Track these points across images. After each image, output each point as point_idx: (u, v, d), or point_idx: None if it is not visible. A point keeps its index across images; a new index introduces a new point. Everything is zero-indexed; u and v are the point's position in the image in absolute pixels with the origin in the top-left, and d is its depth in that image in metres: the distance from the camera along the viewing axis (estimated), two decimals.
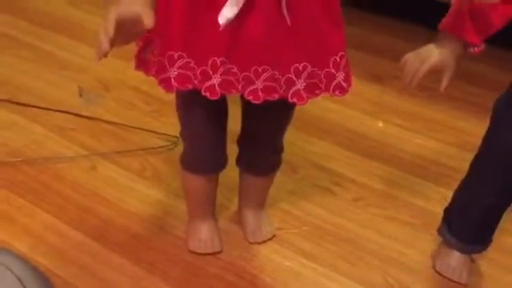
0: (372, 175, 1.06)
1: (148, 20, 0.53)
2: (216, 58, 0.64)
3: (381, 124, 1.20)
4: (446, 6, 0.68)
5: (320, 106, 1.17)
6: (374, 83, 1.32)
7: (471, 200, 0.80)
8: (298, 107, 0.73)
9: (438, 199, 0.99)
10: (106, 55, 0.53)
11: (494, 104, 0.76)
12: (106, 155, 1.06)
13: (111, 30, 0.52)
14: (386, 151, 1.12)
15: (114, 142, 1.10)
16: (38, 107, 1.17)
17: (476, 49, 0.67)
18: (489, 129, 0.77)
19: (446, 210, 0.86)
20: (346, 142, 1.14)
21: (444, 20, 0.68)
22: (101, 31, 0.53)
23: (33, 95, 1.21)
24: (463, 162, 0.84)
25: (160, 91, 0.68)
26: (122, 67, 1.18)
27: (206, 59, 0.64)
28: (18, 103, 1.18)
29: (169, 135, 1.09)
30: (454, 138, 1.16)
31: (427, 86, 0.75)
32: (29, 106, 1.17)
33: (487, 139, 0.77)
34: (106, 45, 0.52)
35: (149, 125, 1.14)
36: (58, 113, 1.16)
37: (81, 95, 1.21)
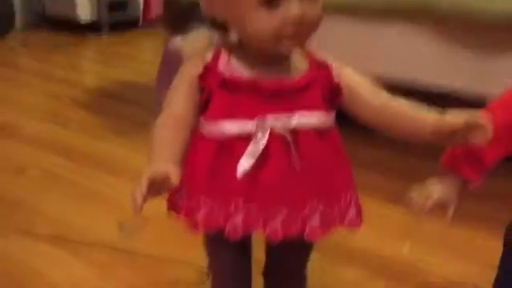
0: None
1: (175, 178, 0.62)
2: (237, 201, 0.71)
3: (407, 248, 1.23)
4: None
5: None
6: (397, 204, 1.36)
7: None
8: None
9: None
10: (140, 210, 0.62)
11: (506, 230, 0.79)
12: None
13: (144, 189, 0.62)
14: (416, 276, 1.14)
15: (150, 274, 1.16)
16: (81, 243, 1.26)
17: (475, 184, 0.72)
18: (503, 256, 0.79)
19: None
20: (375, 268, 1.16)
21: (443, 157, 0.74)
22: (136, 189, 0.62)
23: (77, 231, 1.31)
24: None
25: None
26: (160, 202, 1.27)
27: (229, 201, 0.71)
28: (63, 239, 1.28)
29: (202, 267, 1.14)
30: (486, 258, 1.17)
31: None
32: (72, 241, 1.27)
33: (503, 267, 0.79)
34: (140, 202, 0.61)
35: (185, 256, 1.20)
36: (98, 247, 1.24)
37: (121, 230, 1.30)
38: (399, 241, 1.24)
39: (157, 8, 1.78)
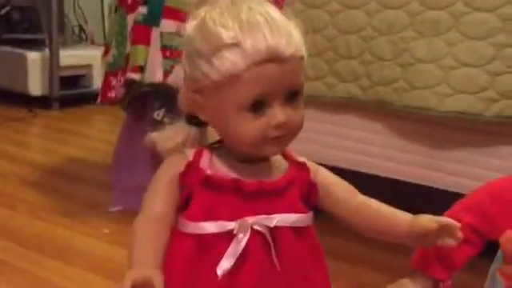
0: None
1: (158, 284, 0.61)
2: None
3: None
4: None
5: None
6: None
7: None
8: None
9: None
10: None
11: None
12: None
13: None
14: None
15: None
16: None
17: (445, 284, 0.75)
18: None
19: None
20: None
21: (413, 257, 0.77)
22: None
23: None
24: None
25: None
26: None
27: None
28: None
29: None
30: None
31: None
32: None
33: None
34: None
35: None
36: None
37: None
38: None
39: (117, 88, 1.78)
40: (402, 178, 1.48)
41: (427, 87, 1.36)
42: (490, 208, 0.74)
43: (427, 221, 0.70)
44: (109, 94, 1.82)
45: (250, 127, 0.67)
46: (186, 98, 0.73)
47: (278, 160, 0.74)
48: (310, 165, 0.76)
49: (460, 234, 0.70)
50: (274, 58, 0.65)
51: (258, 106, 0.66)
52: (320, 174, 0.76)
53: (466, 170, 1.38)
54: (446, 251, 0.73)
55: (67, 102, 3.26)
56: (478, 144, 1.38)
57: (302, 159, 0.75)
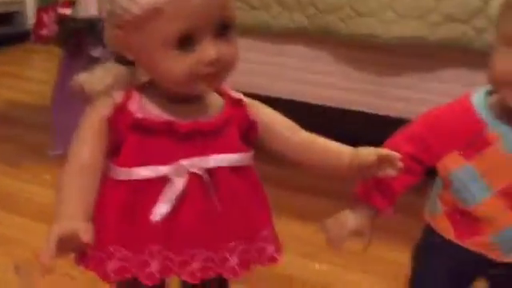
0: None
1: (86, 236, 0.58)
2: (153, 247, 0.68)
3: (317, 266, 1.25)
4: None
5: None
6: (308, 223, 1.39)
7: None
8: None
9: None
10: (49, 271, 0.57)
11: (413, 250, 0.84)
12: None
13: (52, 251, 0.56)
14: None
15: None
16: None
17: (386, 213, 0.75)
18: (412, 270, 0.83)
19: None
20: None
21: (355, 189, 0.77)
22: (45, 250, 0.57)
23: None
24: None
25: None
26: None
27: (143, 249, 0.68)
28: None
29: None
30: (391, 271, 1.22)
31: None
32: None
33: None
34: (48, 262, 0.56)
35: None
36: None
37: (17, 273, 1.20)
38: (309, 260, 1.26)
39: (50, 25, 1.67)
40: (347, 107, 1.48)
41: (373, 14, 1.33)
42: (427, 136, 0.74)
43: (367, 153, 0.69)
44: (42, 32, 1.72)
45: (178, 65, 0.62)
46: (110, 36, 0.67)
47: (213, 98, 0.70)
48: (248, 101, 0.72)
49: (399, 164, 0.69)
50: None
51: (185, 42, 0.62)
52: (259, 110, 0.73)
53: (411, 96, 1.38)
54: (386, 181, 0.73)
55: (1, 42, 3.06)
56: (422, 69, 1.38)
57: (238, 96, 0.72)
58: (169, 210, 0.66)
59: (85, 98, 0.71)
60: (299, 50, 1.49)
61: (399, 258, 1.23)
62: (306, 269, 1.24)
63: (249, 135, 0.72)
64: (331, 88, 1.47)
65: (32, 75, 2.79)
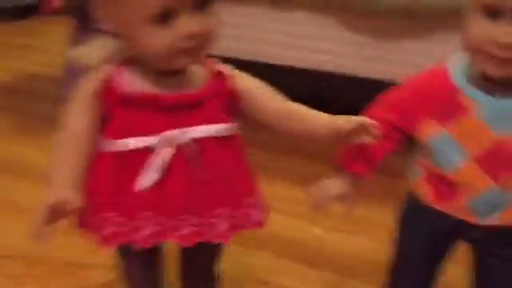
0: (314, 283, 1.13)
1: (76, 204, 0.63)
2: (145, 213, 0.73)
3: (316, 229, 1.30)
4: None
5: None
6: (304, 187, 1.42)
7: None
8: None
9: None
10: (42, 238, 0.62)
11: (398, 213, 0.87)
12: None
13: (44, 219, 0.62)
14: (324, 256, 1.21)
15: (65, 280, 1.15)
16: None
17: (366, 178, 0.78)
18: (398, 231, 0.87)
19: None
20: (286, 252, 1.22)
21: (336, 156, 0.80)
22: (37, 218, 0.62)
23: None
24: None
25: None
26: None
27: (136, 215, 0.72)
28: None
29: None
30: (386, 234, 1.26)
31: None
32: None
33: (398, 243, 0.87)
34: (40, 231, 0.61)
35: (99, 259, 1.19)
36: (12, 258, 1.20)
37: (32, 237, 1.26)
38: (308, 223, 1.30)
39: None
40: (341, 71, 1.48)
41: None
42: (409, 103, 0.75)
43: (344, 121, 0.72)
44: (49, 4, 1.75)
45: (157, 40, 0.65)
46: (96, 10, 0.70)
47: (197, 70, 0.73)
48: (232, 72, 0.75)
49: (376, 132, 0.72)
50: None
51: (164, 17, 0.64)
52: (242, 81, 0.75)
53: (405, 59, 1.39)
54: (366, 148, 0.75)
55: (16, 15, 3.11)
56: (416, 32, 1.38)
57: (221, 67, 0.75)
58: (155, 179, 0.70)
59: (81, 70, 0.75)
60: (299, 16, 1.50)
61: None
62: (304, 232, 1.28)
63: (233, 106, 0.75)
64: (326, 53, 1.48)
65: (49, 47, 2.83)
